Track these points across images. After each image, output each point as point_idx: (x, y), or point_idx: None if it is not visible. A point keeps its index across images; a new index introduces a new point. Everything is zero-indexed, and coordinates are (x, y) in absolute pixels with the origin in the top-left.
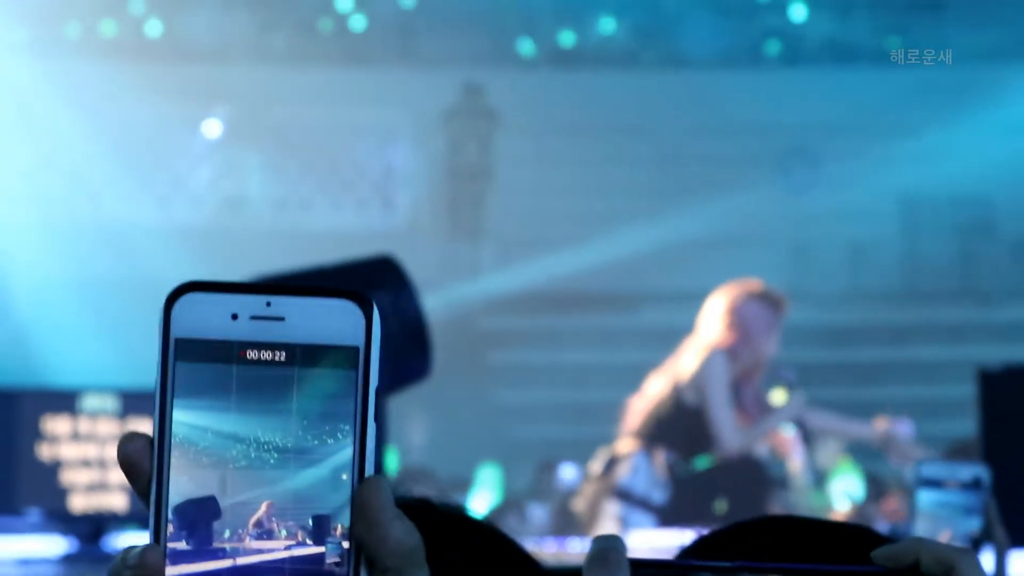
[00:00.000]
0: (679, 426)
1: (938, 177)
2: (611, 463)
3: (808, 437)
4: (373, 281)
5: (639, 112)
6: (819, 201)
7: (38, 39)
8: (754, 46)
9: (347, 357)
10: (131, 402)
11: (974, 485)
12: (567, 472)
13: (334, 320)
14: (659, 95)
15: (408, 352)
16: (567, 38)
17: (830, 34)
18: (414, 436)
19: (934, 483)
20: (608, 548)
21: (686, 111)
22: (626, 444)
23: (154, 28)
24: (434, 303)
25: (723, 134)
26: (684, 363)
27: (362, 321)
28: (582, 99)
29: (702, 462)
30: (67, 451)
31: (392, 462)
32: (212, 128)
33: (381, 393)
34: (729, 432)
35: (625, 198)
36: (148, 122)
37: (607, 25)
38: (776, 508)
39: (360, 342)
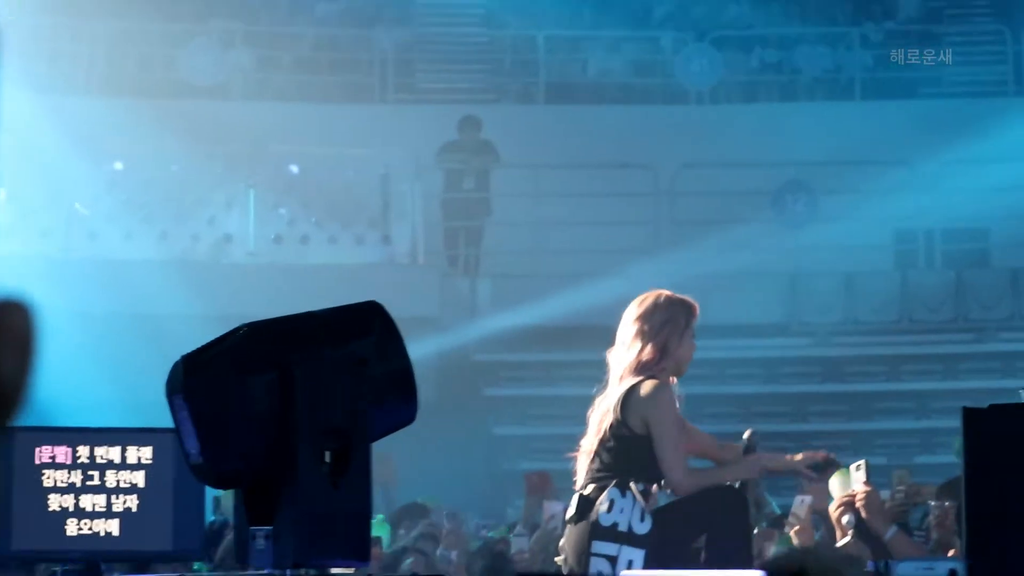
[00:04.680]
0: (631, 455)
1: (932, 208)
2: (582, 503)
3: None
4: (360, 327)
5: (636, 146)
6: (814, 234)
7: (43, 74)
8: (750, 81)
9: None
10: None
11: None
12: (556, 508)
13: None
14: (655, 129)
15: (391, 398)
16: (564, 72)
17: (824, 68)
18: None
19: None
20: None
21: (682, 145)
22: (588, 482)
23: (156, 66)
24: (432, 336)
25: (718, 168)
26: (621, 391)
27: None
28: (579, 133)
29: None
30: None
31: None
32: (211, 164)
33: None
34: (680, 476)
35: (622, 232)
36: (146, 158)
37: (604, 60)
38: (761, 538)
39: None
